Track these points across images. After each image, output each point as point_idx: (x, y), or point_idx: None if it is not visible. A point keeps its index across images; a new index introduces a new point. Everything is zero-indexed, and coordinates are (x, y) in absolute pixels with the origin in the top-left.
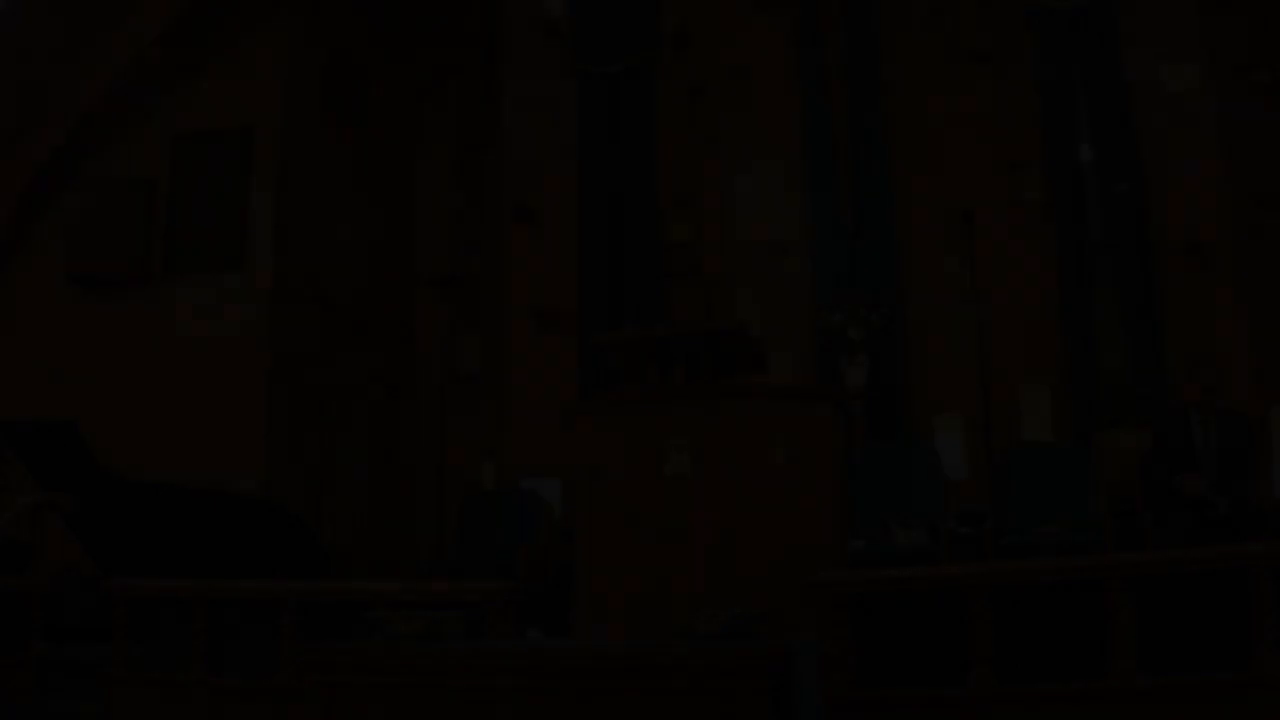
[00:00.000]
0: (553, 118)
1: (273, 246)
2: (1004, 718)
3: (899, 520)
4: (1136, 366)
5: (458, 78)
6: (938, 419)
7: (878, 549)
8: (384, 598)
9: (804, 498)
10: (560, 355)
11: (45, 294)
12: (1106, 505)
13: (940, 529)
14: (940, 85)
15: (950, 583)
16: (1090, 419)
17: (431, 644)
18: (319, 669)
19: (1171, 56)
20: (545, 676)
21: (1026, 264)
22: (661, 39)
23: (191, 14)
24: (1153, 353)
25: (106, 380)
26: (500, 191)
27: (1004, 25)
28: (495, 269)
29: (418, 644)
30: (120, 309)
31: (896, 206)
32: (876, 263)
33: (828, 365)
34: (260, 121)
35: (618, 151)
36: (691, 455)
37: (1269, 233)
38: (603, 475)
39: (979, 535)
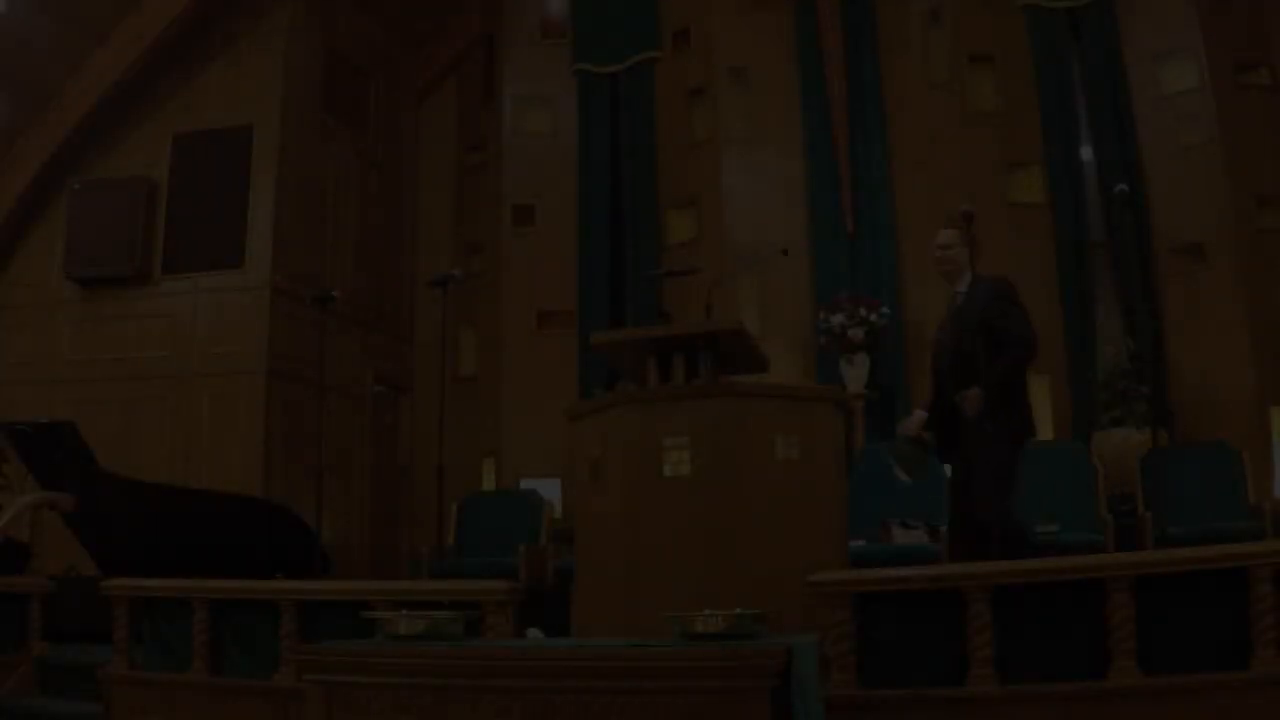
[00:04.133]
0: (553, 118)
1: (272, 246)
2: (1004, 718)
3: (899, 520)
4: (1136, 366)
5: (458, 78)
6: None
7: (878, 549)
8: (384, 598)
9: (804, 498)
10: (560, 355)
11: (45, 294)
12: (1107, 505)
13: (940, 529)
14: (940, 85)
15: (950, 583)
16: (1090, 419)
17: (431, 644)
18: (319, 669)
19: (1171, 56)
20: (545, 676)
21: (1026, 264)
22: (661, 38)
23: (192, 14)
24: (1153, 352)
25: (106, 380)
26: (500, 191)
27: (1004, 25)
28: (495, 269)
29: (418, 644)
30: (120, 309)
31: (896, 206)
32: (876, 263)
33: (828, 365)
34: (260, 121)
35: (617, 151)
36: (691, 455)
37: (1269, 233)
38: (602, 475)
39: None
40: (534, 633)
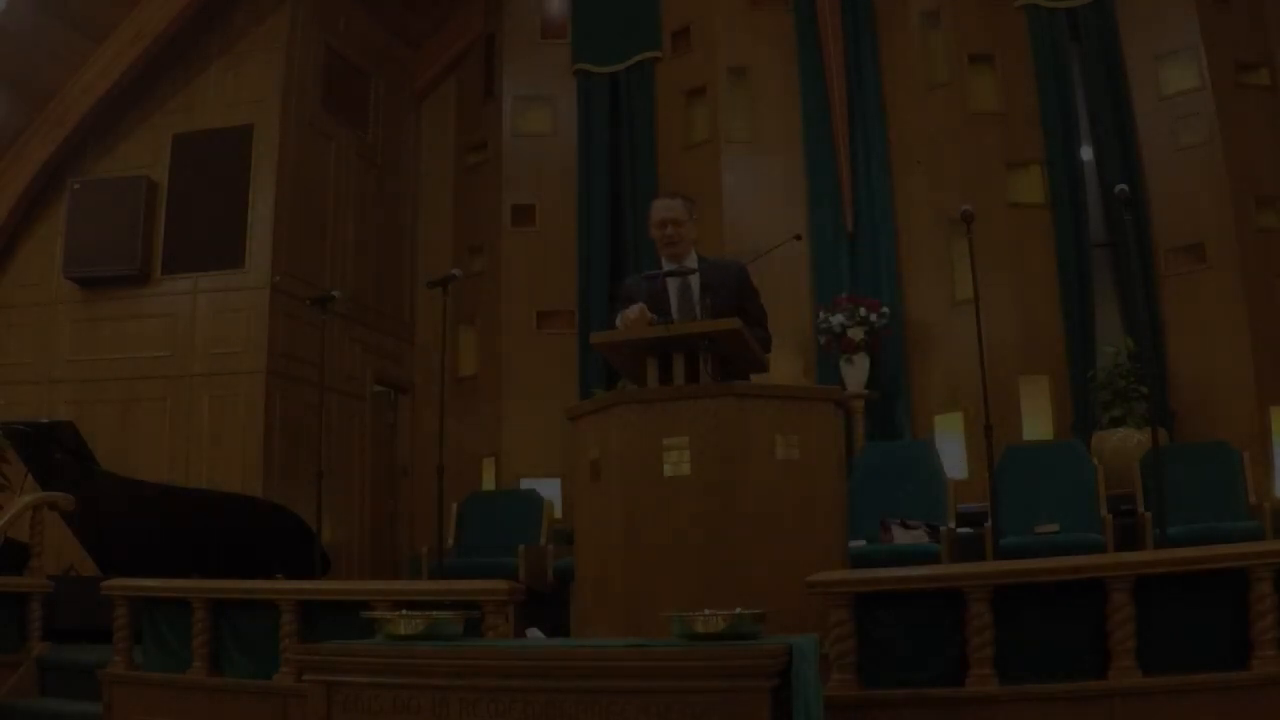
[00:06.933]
0: (553, 117)
1: (272, 246)
2: (1004, 718)
3: (899, 520)
4: (1136, 366)
5: (458, 78)
6: (938, 418)
7: (878, 549)
8: (384, 598)
9: (804, 498)
10: (560, 355)
11: (45, 294)
12: (1107, 505)
13: (940, 529)
14: (940, 85)
15: (950, 583)
16: (1090, 419)
17: (431, 644)
18: (319, 669)
19: (1171, 56)
20: (545, 676)
21: (1026, 264)
22: (661, 38)
23: (192, 14)
24: (1153, 352)
25: (106, 380)
26: (500, 191)
27: (1004, 25)
28: (495, 269)
29: (418, 644)
30: (120, 309)
31: (896, 206)
32: (876, 263)
33: (828, 365)
34: (260, 121)
35: (617, 151)
36: (691, 455)
37: (1269, 233)
38: (602, 475)
39: (979, 535)
40: (534, 633)
